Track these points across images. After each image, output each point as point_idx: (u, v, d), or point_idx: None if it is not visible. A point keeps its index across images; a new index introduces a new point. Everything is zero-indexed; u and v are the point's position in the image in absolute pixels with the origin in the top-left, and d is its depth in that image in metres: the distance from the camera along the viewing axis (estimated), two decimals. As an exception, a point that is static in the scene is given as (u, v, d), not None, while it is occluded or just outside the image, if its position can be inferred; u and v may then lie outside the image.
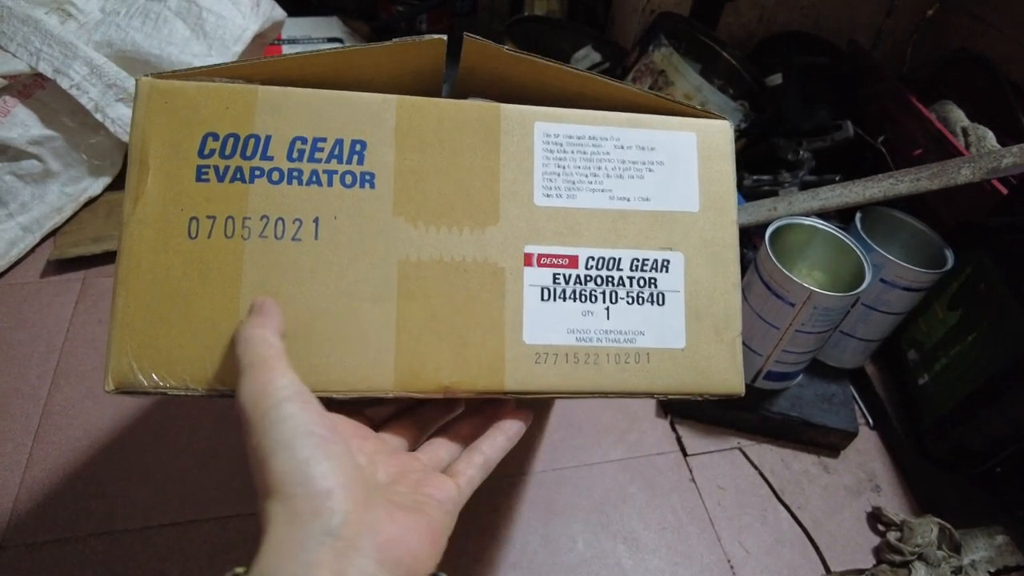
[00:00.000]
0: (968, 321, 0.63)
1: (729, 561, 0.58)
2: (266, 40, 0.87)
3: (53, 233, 0.76)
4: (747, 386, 0.42)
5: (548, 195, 0.35)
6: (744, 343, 0.64)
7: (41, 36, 0.70)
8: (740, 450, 0.66)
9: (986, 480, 0.62)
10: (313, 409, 0.28)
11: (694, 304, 0.36)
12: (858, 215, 0.67)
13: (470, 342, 0.34)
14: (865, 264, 0.61)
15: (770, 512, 0.62)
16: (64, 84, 0.71)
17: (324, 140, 0.33)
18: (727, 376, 0.35)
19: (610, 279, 0.35)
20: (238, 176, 0.33)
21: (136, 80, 0.32)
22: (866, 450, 0.68)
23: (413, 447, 0.37)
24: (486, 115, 0.35)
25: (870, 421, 0.70)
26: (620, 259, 0.35)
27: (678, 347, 0.35)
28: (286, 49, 1.00)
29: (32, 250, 0.74)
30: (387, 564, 0.26)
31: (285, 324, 0.32)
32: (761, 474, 0.65)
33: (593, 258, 0.35)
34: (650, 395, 0.35)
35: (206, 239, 0.32)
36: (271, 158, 0.33)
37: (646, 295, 0.35)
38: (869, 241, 0.63)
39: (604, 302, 0.35)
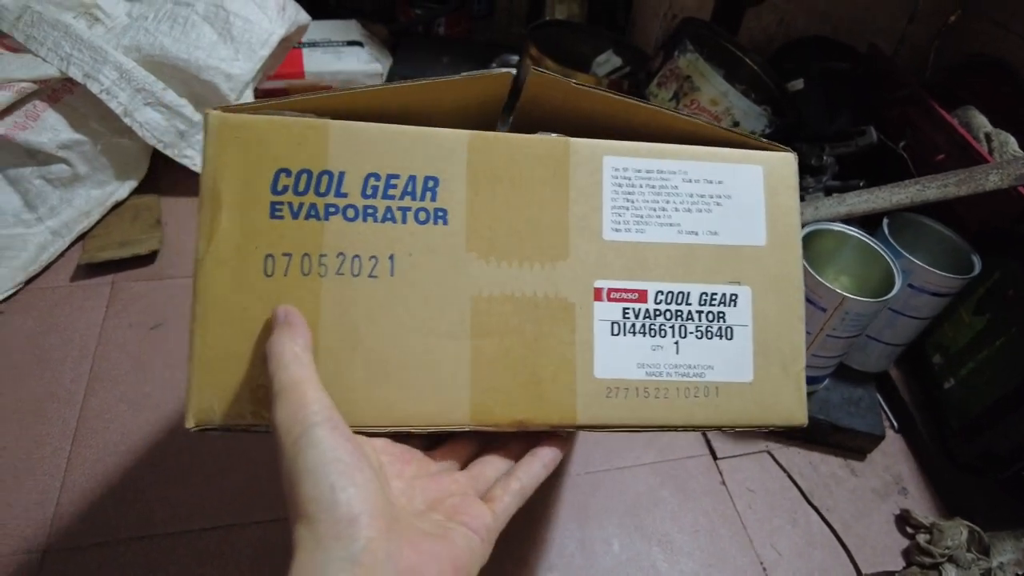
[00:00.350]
0: (995, 326, 0.64)
1: (762, 563, 0.58)
2: (290, 44, 0.87)
3: (81, 237, 0.76)
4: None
5: (617, 229, 0.35)
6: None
7: (71, 41, 0.70)
8: (768, 453, 0.67)
9: (1014, 484, 0.63)
10: (341, 435, 0.29)
11: (761, 338, 0.36)
12: (885, 221, 0.67)
13: (542, 377, 0.34)
14: (895, 270, 0.61)
15: (800, 514, 0.63)
16: (94, 89, 0.71)
17: (398, 177, 0.33)
18: (792, 409, 0.36)
19: (679, 313, 0.35)
20: (312, 213, 0.33)
21: (205, 113, 0.32)
22: (892, 453, 0.69)
23: (467, 463, 0.37)
24: (555, 150, 0.35)
25: (895, 424, 0.71)
26: (689, 293, 0.35)
27: (746, 381, 0.36)
28: (306, 52, 1.00)
29: (61, 254, 0.74)
30: None
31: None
32: (790, 477, 0.65)
33: (662, 292, 0.35)
34: (717, 428, 0.36)
35: (282, 276, 0.32)
36: (345, 195, 0.33)
37: (715, 329, 0.36)
38: (897, 247, 0.64)
39: (673, 336, 0.35)
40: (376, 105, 0.34)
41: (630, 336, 0.35)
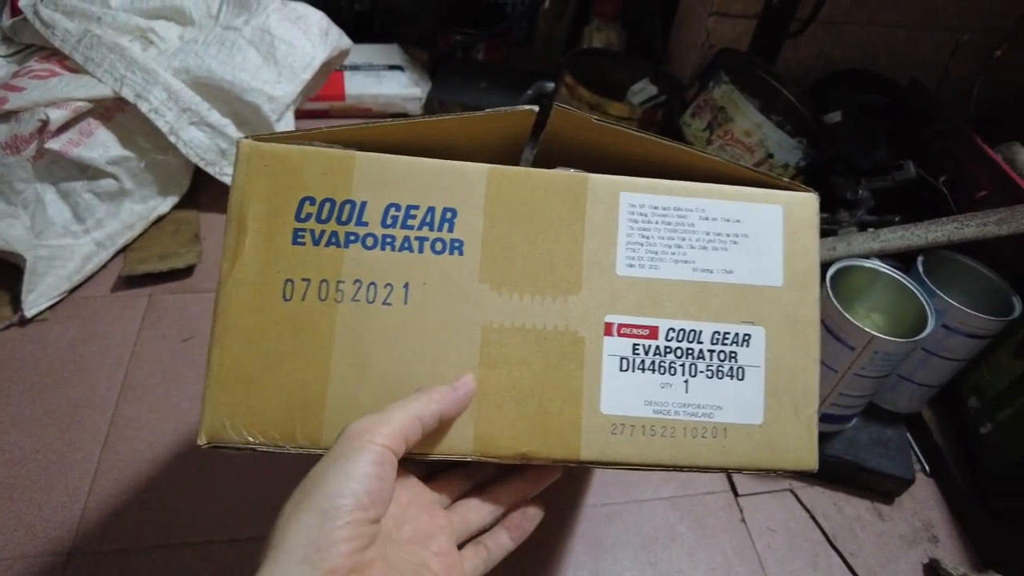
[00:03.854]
0: (1036, 371, 0.61)
1: (780, 606, 0.57)
2: (332, 67, 0.89)
3: (123, 249, 0.79)
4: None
5: (631, 265, 0.35)
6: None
7: (126, 63, 0.73)
8: (791, 492, 0.66)
9: (1052, 537, 0.60)
10: (375, 471, 0.29)
11: (774, 380, 0.35)
12: (920, 259, 0.66)
13: (548, 410, 0.34)
14: (928, 310, 0.60)
15: (822, 557, 0.61)
16: (144, 108, 0.74)
17: (417, 208, 0.34)
18: (802, 453, 0.35)
19: (690, 351, 0.35)
20: (333, 240, 0.34)
21: (237, 142, 0.33)
22: (922, 498, 0.67)
23: (457, 499, 0.38)
24: (574, 185, 0.35)
25: (926, 468, 0.69)
26: (701, 332, 0.35)
27: (755, 423, 0.35)
28: (348, 75, 1.03)
29: (104, 265, 0.77)
30: None
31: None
32: (813, 518, 0.64)
33: (674, 330, 0.35)
34: (723, 470, 0.35)
35: (300, 301, 0.33)
36: (366, 224, 0.34)
37: (726, 369, 0.35)
38: (931, 286, 0.62)
39: (683, 375, 0.35)
40: (404, 137, 0.35)
41: (639, 372, 0.35)
